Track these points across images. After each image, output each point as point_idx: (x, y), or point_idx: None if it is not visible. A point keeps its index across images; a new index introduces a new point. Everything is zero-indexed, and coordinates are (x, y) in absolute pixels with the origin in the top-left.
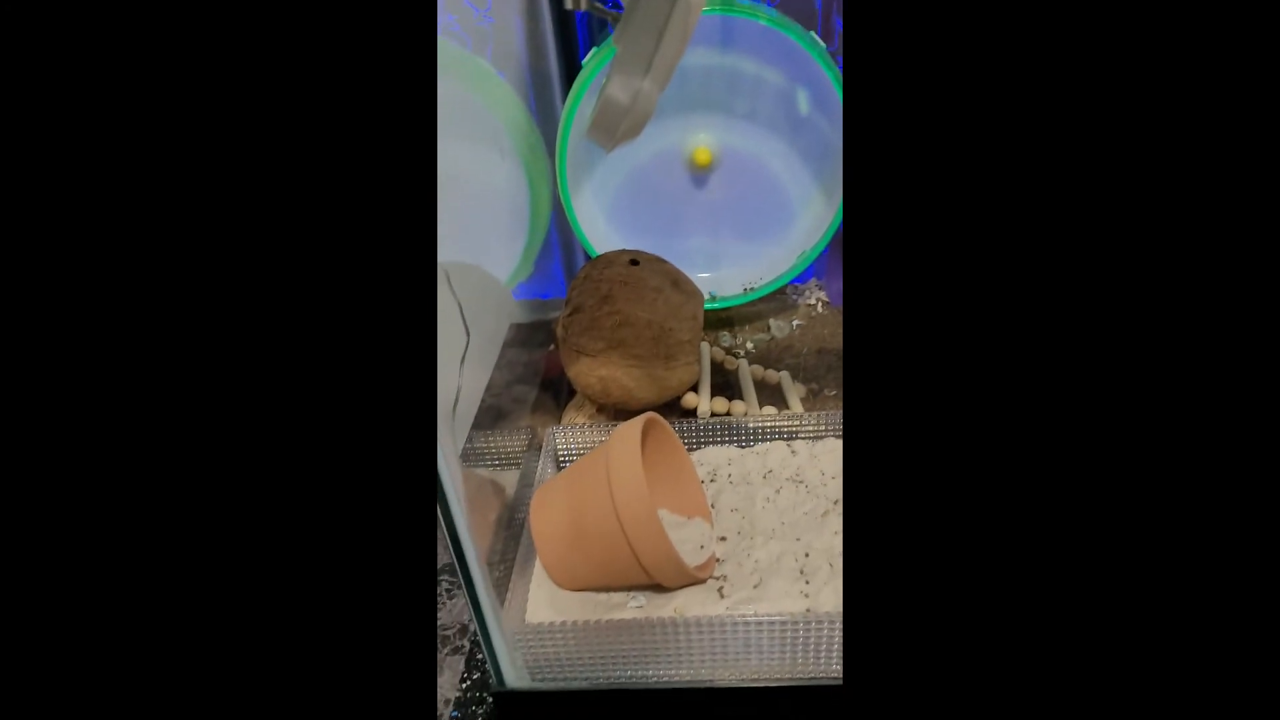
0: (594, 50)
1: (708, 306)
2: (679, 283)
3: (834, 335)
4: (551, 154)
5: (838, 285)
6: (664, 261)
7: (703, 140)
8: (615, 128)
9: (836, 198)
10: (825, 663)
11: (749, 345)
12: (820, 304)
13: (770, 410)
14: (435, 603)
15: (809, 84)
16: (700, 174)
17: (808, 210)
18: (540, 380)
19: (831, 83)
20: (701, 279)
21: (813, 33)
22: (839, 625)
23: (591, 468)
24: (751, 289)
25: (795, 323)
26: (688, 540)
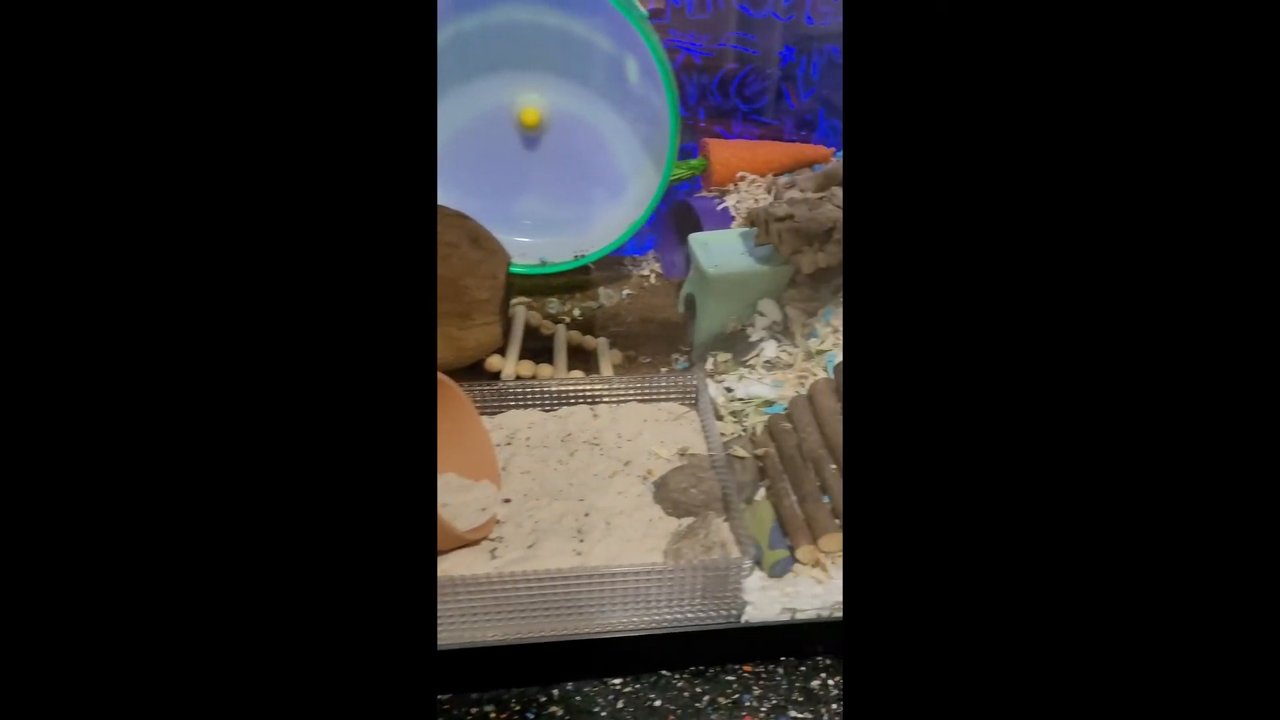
0: None
1: (536, 271)
2: (479, 240)
3: (662, 306)
4: None
5: (671, 258)
6: (465, 218)
7: (532, 100)
8: None
9: (666, 167)
10: (591, 617)
11: (575, 312)
12: (654, 275)
13: (577, 374)
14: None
15: (636, 52)
16: (530, 135)
17: (639, 179)
18: None
19: (651, 53)
20: (527, 244)
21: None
22: (604, 579)
23: None
24: (582, 255)
25: (626, 292)
26: (470, 503)
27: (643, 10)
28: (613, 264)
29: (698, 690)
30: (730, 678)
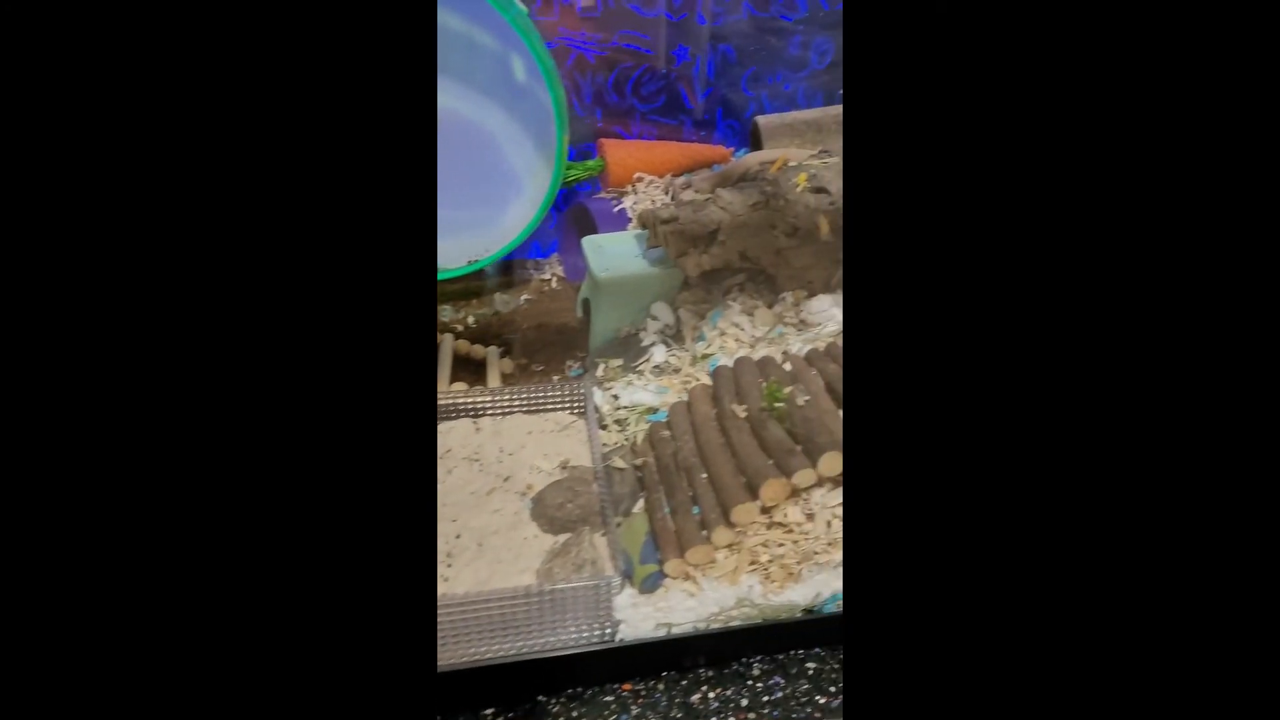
0: None
1: None
2: None
3: (561, 310)
4: None
5: (573, 260)
6: None
7: None
8: None
9: (555, 168)
10: (457, 647)
11: (470, 320)
12: (555, 279)
13: (460, 386)
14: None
15: (520, 49)
16: None
17: (535, 180)
18: None
19: (530, 50)
20: None
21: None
22: (468, 607)
23: None
24: (475, 260)
25: (524, 298)
26: None
27: (521, 6)
28: (515, 268)
29: (574, 715)
30: (609, 698)
